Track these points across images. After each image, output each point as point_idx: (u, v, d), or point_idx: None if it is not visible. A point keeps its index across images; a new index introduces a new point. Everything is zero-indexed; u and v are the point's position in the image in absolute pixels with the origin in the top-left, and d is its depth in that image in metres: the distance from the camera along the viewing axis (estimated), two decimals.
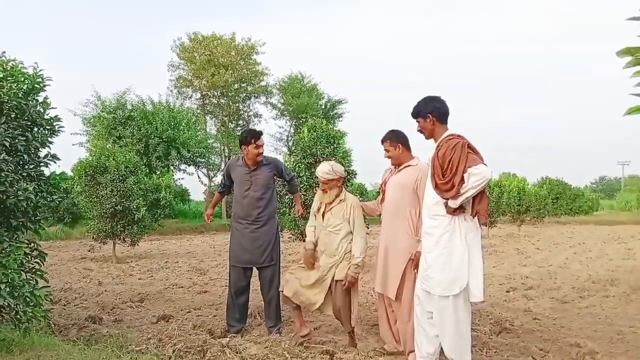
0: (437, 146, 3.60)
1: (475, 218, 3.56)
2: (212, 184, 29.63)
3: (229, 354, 4.08)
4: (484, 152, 3.53)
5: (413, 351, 3.90)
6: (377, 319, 4.58)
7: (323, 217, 4.39)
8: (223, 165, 28.64)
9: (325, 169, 4.30)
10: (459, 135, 3.55)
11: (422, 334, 3.68)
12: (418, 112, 3.74)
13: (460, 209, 3.46)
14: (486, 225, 16.73)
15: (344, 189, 4.47)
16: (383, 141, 4.31)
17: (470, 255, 3.45)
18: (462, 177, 3.38)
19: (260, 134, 4.91)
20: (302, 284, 4.41)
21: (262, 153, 4.93)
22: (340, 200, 4.34)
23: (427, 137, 3.77)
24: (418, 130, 3.79)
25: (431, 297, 3.57)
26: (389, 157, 4.29)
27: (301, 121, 32.52)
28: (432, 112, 3.67)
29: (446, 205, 3.49)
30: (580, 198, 36.59)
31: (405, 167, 4.22)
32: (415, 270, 3.93)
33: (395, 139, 4.24)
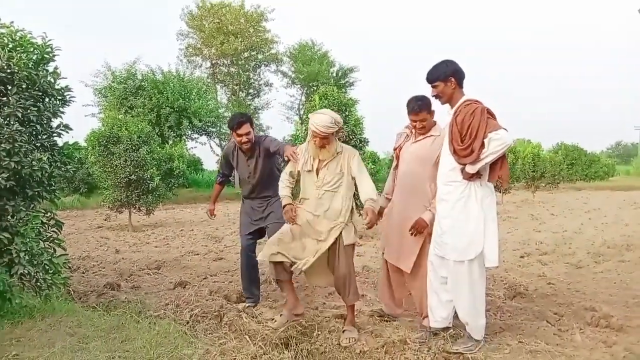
0: (455, 112, 3.51)
1: (491, 184, 3.53)
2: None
3: (245, 318, 4.15)
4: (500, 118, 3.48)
5: (427, 315, 3.92)
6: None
7: (317, 175, 3.81)
8: None
9: (326, 121, 3.63)
10: (476, 101, 3.48)
11: (436, 299, 3.70)
12: (438, 76, 3.56)
13: (477, 174, 3.42)
14: (500, 192, 16.63)
15: (336, 139, 3.88)
16: (419, 112, 3.81)
17: (485, 220, 3.43)
18: (482, 142, 3.32)
19: (241, 123, 4.51)
20: (290, 245, 3.85)
21: (246, 142, 4.55)
22: (338, 153, 3.81)
23: (444, 102, 3.64)
24: (434, 96, 3.65)
25: (445, 262, 3.57)
26: (423, 127, 3.86)
27: (312, 89, 32.22)
28: (453, 74, 3.55)
29: (463, 171, 3.45)
30: (596, 164, 36.13)
31: (428, 136, 3.90)
32: (413, 234, 3.84)
33: (429, 107, 3.86)
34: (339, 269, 3.78)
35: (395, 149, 4.20)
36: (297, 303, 4.07)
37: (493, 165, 3.42)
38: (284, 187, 4.07)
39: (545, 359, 3.31)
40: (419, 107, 3.82)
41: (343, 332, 3.81)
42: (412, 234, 3.83)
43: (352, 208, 3.87)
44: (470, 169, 3.41)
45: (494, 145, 3.31)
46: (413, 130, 4.01)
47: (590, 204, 18.52)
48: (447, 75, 3.56)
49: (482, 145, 3.33)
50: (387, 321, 4.18)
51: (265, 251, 3.84)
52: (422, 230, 3.81)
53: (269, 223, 4.67)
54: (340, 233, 3.80)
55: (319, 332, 3.82)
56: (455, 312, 3.65)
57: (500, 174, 3.43)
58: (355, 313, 4.38)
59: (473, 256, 3.43)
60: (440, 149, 3.76)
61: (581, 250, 7.94)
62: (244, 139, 4.54)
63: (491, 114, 3.44)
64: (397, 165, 4.15)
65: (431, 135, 3.91)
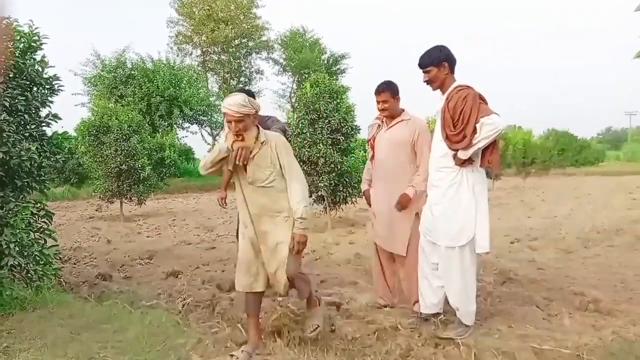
0: (447, 97, 3.50)
1: (483, 170, 3.54)
2: (216, 142, 29.59)
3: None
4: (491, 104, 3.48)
5: (418, 301, 3.97)
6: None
7: (245, 172, 3.27)
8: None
9: (239, 100, 3.10)
10: (468, 86, 3.47)
11: (426, 285, 3.72)
12: (432, 60, 3.54)
13: (469, 160, 3.43)
14: (491, 178, 16.71)
15: (259, 127, 3.31)
16: (381, 91, 4.04)
17: (477, 206, 3.45)
18: (475, 127, 3.33)
19: None
20: (252, 265, 3.33)
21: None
22: (262, 143, 3.24)
23: (436, 88, 3.63)
24: (425, 81, 3.63)
25: (436, 248, 3.59)
26: (384, 109, 4.05)
27: (304, 77, 32.12)
28: (447, 60, 3.54)
29: (455, 157, 3.46)
30: (586, 149, 36.38)
31: (399, 122, 4.07)
32: (398, 208, 3.94)
33: (394, 90, 4.07)
34: (289, 266, 3.27)
35: (369, 140, 4.32)
36: (260, 341, 3.36)
37: (484, 150, 3.43)
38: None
39: (534, 343, 3.34)
40: (381, 88, 4.04)
41: (306, 319, 3.54)
42: (398, 209, 3.94)
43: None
44: (463, 155, 3.41)
45: (486, 130, 3.31)
46: (384, 120, 4.16)
47: (581, 189, 18.66)
48: (440, 60, 3.54)
49: (475, 131, 3.33)
50: (378, 308, 4.21)
51: (242, 281, 3.33)
52: (406, 204, 3.92)
53: None
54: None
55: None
56: (446, 298, 3.68)
57: (490, 159, 3.44)
58: (348, 300, 4.42)
59: (464, 242, 3.45)
60: (414, 131, 3.97)
61: (571, 236, 8.01)
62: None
63: (483, 99, 3.44)
64: (372, 156, 4.26)
65: (402, 120, 4.07)
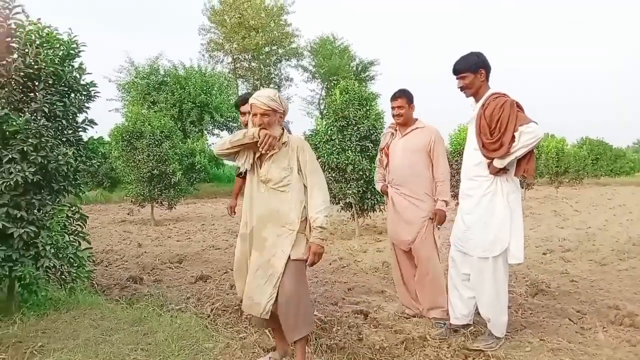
0: (483, 105, 3.45)
1: (517, 179, 3.48)
2: None
3: None
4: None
5: (432, 308, 3.97)
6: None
7: (260, 170, 3.05)
8: None
9: (268, 93, 2.97)
10: (504, 94, 3.42)
11: (457, 296, 3.68)
12: (469, 66, 3.48)
13: (503, 169, 3.38)
14: (523, 187, 16.42)
15: (284, 129, 3.12)
16: (397, 98, 4.10)
17: (512, 216, 3.38)
18: (513, 135, 3.28)
19: (245, 100, 3.79)
20: (248, 282, 3.01)
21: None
22: (283, 144, 3.05)
23: (470, 95, 3.58)
24: (460, 87, 3.57)
25: (468, 258, 3.54)
26: (400, 114, 4.10)
27: (333, 84, 32.22)
28: (483, 66, 3.50)
29: (489, 165, 3.41)
30: (621, 159, 35.47)
31: (414, 129, 4.12)
32: (439, 227, 4.05)
33: (410, 98, 4.13)
34: (282, 290, 2.91)
35: (382, 149, 4.37)
36: (288, 347, 3.21)
37: (520, 159, 3.37)
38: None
39: (567, 358, 3.26)
40: (398, 94, 4.12)
41: None
42: (438, 227, 4.04)
43: (306, 218, 3.03)
44: (499, 164, 3.35)
45: (525, 138, 3.25)
46: (397, 128, 4.23)
47: (615, 200, 18.17)
48: (477, 67, 3.49)
49: (512, 139, 3.28)
50: (406, 318, 4.18)
51: (242, 287, 3.08)
52: (444, 219, 4.00)
53: None
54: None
55: (339, 328, 3.83)
56: (477, 309, 3.63)
57: (527, 168, 3.38)
58: (375, 309, 4.39)
59: (498, 252, 3.39)
60: (430, 139, 4.03)
61: (605, 247, 7.80)
62: (246, 117, 3.90)
63: (520, 108, 3.38)
64: (387, 164, 4.29)
65: (417, 128, 4.14)
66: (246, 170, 4.38)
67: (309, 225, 3.01)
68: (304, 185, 3.04)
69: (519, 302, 4.54)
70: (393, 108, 4.14)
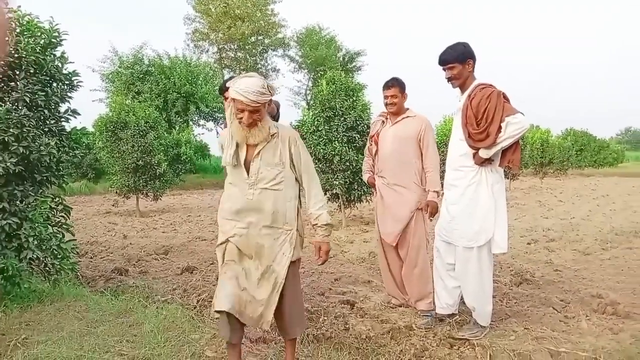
0: (470, 95, 3.45)
1: (501, 169, 3.50)
2: None
3: None
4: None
5: (420, 299, 3.97)
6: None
7: (248, 170, 2.68)
8: None
9: (257, 85, 2.53)
10: (490, 85, 3.43)
11: (442, 286, 3.70)
12: (457, 56, 3.47)
13: (488, 160, 3.39)
14: (508, 178, 16.56)
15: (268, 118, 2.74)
16: (390, 87, 4.07)
17: (496, 206, 3.40)
18: (499, 126, 3.29)
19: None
20: (241, 286, 2.69)
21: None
22: (272, 135, 2.70)
23: (457, 85, 3.57)
24: (447, 78, 3.56)
25: (452, 248, 3.56)
26: (393, 103, 4.07)
27: (319, 74, 32.15)
28: (471, 57, 3.49)
29: (475, 155, 3.42)
30: (605, 150, 35.92)
31: (404, 118, 4.11)
32: (431, 219, 4.00)
33: (402, 87, 4.11)
34: (283, 293, 2.72)
35: (372, 136, 4.33)
36: None
37: (505, 150, 3.38)
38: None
39: (551, 346, 3.30)
40: (391, 82, 4.09)
41: None
42: (430, 218, 4.01)
43: (299, 210, 2.80)
44: (484, 154, 3.36)
45: (512, 129, 3.26)
46: (388, 116, 4.20)
47: (599, 190, 18.41)
48: (465, 57, 3.48)
49: (499, 129, 3.29)
50: (392, 307, 4.20)
51: (225, 300, 2.66)
52: (436, 210, 3.96)
53: None
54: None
55: (325, 318, 3.84)
56: (462, 298, 3.66)
57: (512, 159, 3.39)
58: (361, 299, 4.41)
59: (483, 242, 3.41)
60: (420, 127, 4.02)
61: (589, 237, 7.90)
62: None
63: (506, 98, 3.39)
64: (376, 151, 4.25)
65: (408, 117, 4.11)
66: None
67: (302, 222, 2.81)
68: (296, 179, 2.79)
69: (504, 292, 4.58)
70: (386, 97, 4.10)
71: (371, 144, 4.35)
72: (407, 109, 4.17)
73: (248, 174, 2.67)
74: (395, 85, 4.08)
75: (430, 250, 4.06)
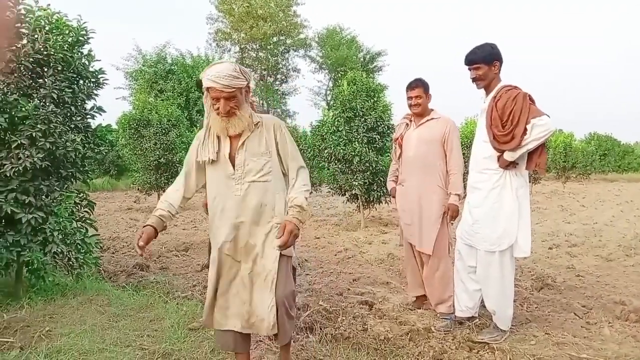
0: (495, 97, 3.41)
1: (526, 173, 3.46)
2: None
3: None
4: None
5: (441, 303, 3.93)
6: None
7: (233, 164, 2.52)
8: None
9: (227, 70, 2.39)
10: (516, 87, 3.39)
11: (462, 289, 3.67)
12: (484, 57, 3.43)
13: (513, 163, 3.35)
14: (531, 182, 16.35)
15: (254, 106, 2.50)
16: (414, 87, 4.00)
17: (520, 210, 3.36)
18: (525, 128, 3.25)
19: None
20: (242, 300, 2.53)
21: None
22: (256, 125, 2.55)
23: (482, 87, 3.53)
24: (472, 78, 3.53)
25: (474, 251, 3.53)
26: (417, 104, 4.00)
27: (340, 74, 32.16)
28: (497, 59, 3.46)
29: (499, 158, 3.38)
30: (629, 155, 35.19)
31: (429, 120, 4.03)
32: (452, 222, 3.95)
33: (426, 87, 4.05)
34: (277, 292, 2.50)
35: (396, 139, 4.27)
36: None
37: (531, 153, 3.34)
38: (165, 200, 2.68)
39: (572, 352, 3.26)
40: (414, 83, 4.03)
41: None
42: (451, 222, 3.95)
43: (287, 204, 2.56)
44: (509, 156, 3.32)
45: (537, 131, 3.22)
46: (412, 118, 4.14)
47: (623, 195, 18.06)
48: (492, 58, 3.44)
49: (524, 132, 3.25)
50: (411, 309, 4.18)
51: (215, 318, 2.57)
52: (457, 213, 3.91)
53: None
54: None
55: (344, 318, 3.84)
56: (482, 302, 3.63)
57: (539, 162, 3.34)
58: (380, 300, 4.40)
59: (506, 247, 3.37)
60: (445, 130, 3.95)
61: (612, 243, 7.76)
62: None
63: (532, 100, 3.35)
64: (400, 155, 4.21)
65: (432, 118, 4.04)
66: None
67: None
68: (282, 169, 2.63)
69: (525, 296, 4.53)
70: (410, 98, 4.03)
71: (395, 147, 4.31)
72: (432, 110, 4.10)
73: (234, 168, 2.51)
74: (419, 85, 4.02)
75: (452, 253, 4.03)
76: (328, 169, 10.34)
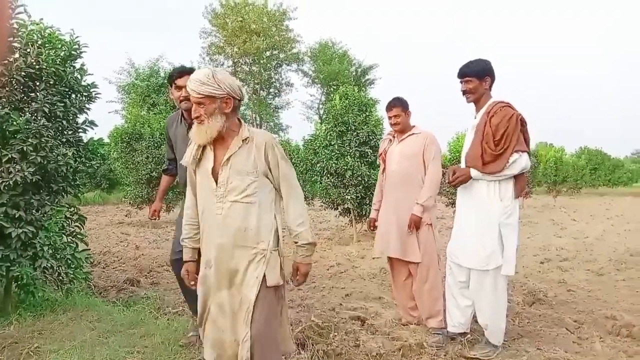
0: (489, 112, 3.41)
1: (511, 189, 3.48)
2: None
3: None
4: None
5: (430, 317, 3.95)
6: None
7: (217, 180, 2.38)
8: None
9: (200, 76, 2.30)
10: (509, 104, 3.41)
11: (454, 304, 3.67)
12: (477, 71, 3.47)
13: (466, 179, 3.47)
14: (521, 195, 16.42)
15: (242, 121, 2.46)
16: (392, 107, 4.16)
17: (506, 233, 3.37)
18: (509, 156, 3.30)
19: (182, 73, 3.47)
20: (219, 327, 2.40)
21: (185, 99, 3.39)
22: (244, 140, 2.39)
23: (472, 101, 3.57)
24: (463, 91, 3.56)
25: (465, 268, 3.54)
26: (397, 123, 4.15)
27: (332, 89, 32.34)
28: (489, 74, 3.50)
29: (459, 170, 3.49)
30: (619, 169, 35.53)
31: (409, 135, 4.17)
32: (417, 231, 3.98)
33: (405, 106, 4.19)
34: (255, 325, 2.31)
35: (380, 154, 4.41)
36: None
37: (516, 178, 3.41)
38: (188, 224, 2.59)
39: None
40: (393, 103, 4.19)
41: None
42: (410, 232, 3.99)
43: (277, 229, 2.45)
44: (474, 174, 3.40)
45: (513, 167, 3.32)
46: (395, 135, 4.27)
47: (613, 210, 18.20)
48: (485, 73, 3.49)
49: (507, 160, 3.31)
50: (404, 325, 4.17)
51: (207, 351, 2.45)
52: (418, 224, 3.98)
53: None
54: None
55: (336, 333, 3.82)
56: (474, 317, 3.62)
57: (516, 188, 3.43)
58: (372, 315, 4.38)
59: (493, 267, 3.38)
60: (424, 144, 4.06)
61: (603, 257, 7.80)
62: (184, 93, 3.31)
63: (524, 124, 3.38)
64: (384, 169, 4.34)
65: (413, 134, 4.17)
66: (171, 164, 4.10)
67: (279, 239, 2.45)
68: (274, 189, 2.47)
69: (516, 311, 4.53)
70: (390, 117, 4.20)
71: (380, 162, 4.44)
72: (413, 126, 4.24)
73: (217, 184, 2.37)
74: (396, 105, 4.17)
75: (442, 267, 4.04)
76: (320, 183, 10.34)
